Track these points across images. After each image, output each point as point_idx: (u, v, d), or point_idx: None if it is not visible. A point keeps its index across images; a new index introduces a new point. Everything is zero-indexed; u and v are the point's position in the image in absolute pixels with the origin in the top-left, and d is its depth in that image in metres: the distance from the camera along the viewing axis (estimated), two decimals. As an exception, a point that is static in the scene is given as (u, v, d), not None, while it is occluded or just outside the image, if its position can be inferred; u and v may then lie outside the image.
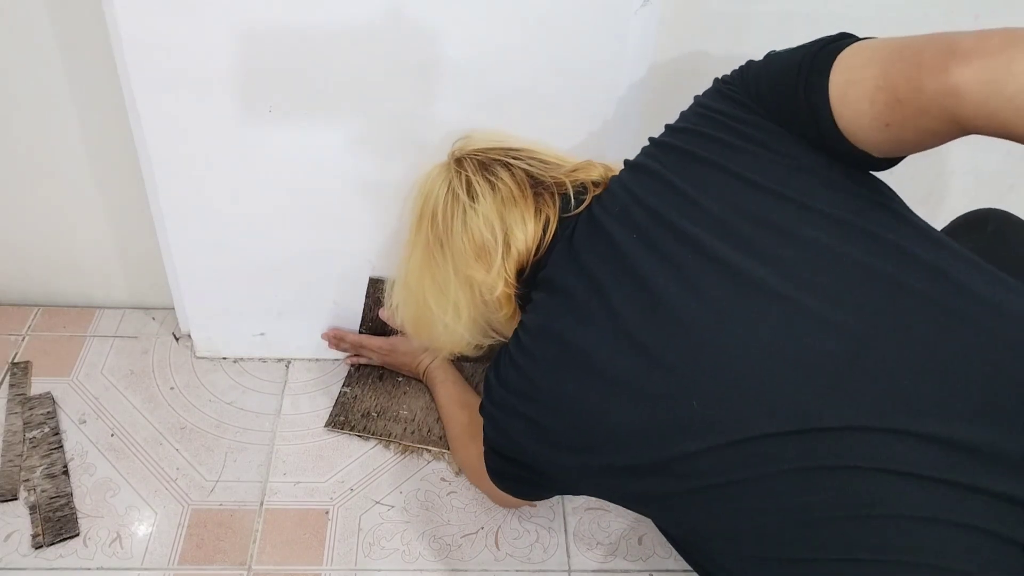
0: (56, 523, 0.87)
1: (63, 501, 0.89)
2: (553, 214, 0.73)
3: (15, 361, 1.06)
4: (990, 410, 0.50)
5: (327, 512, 0.92)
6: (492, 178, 0.75)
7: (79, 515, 0.89)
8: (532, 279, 0.74)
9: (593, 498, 0.94)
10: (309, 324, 1.07)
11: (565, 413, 0.64)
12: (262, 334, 1.08)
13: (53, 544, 0.86)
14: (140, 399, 1.03)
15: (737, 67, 0.67)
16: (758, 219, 0.59)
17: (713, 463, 0.56)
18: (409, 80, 0.84)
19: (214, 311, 1.05)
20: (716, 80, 0.68)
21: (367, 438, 1.01)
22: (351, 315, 1.07)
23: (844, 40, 0.58)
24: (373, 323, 1.07)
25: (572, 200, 0.73)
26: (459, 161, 0.79)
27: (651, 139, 0.71)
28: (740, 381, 0.55)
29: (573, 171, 0.76)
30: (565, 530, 0.92)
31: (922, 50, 0.51)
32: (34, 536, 0.86)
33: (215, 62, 0.81)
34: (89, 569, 0.84)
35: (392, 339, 1.06)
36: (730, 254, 0.58)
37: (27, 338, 1.10)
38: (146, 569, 0.85)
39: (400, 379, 1.08)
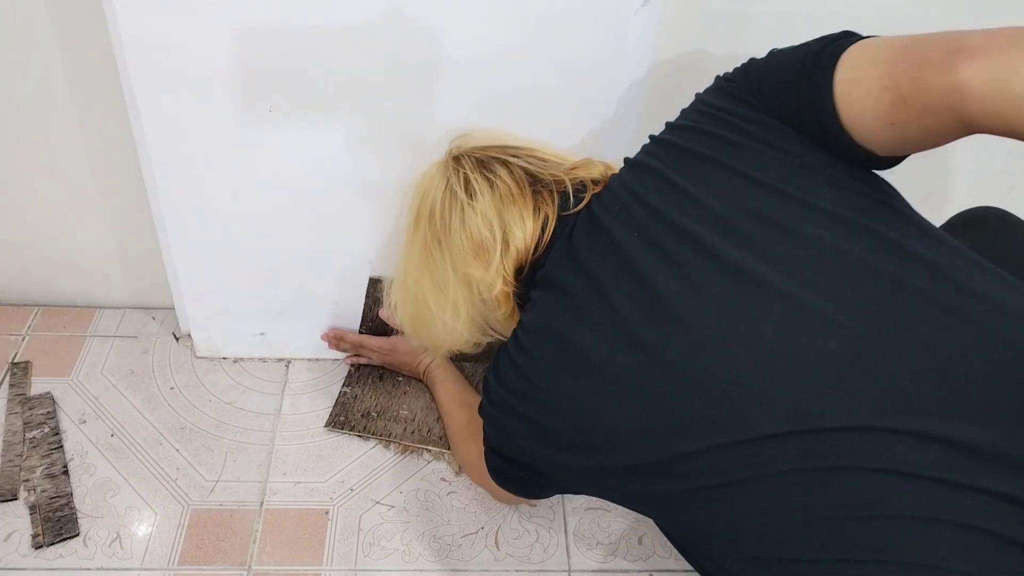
0: (56, 523, 0.87)
1: (63, 501, 0.89)
2: (552, 212, 0.73)
3: (15, 361, 1.06)
4: (990, 410, 0.50)
5: (327, 512, 0.92)
6: (490, 176, 0.75)
7: (79, 515, 0.89)
8: (531, 278, 0.74)
9: (593, 498, 0.94)
10: (309, 324, 1.07)
11: (564, 413, 0.64)
12: (262, 334, 1.08)
13: (53, 544, 0.86)
14: (140, 399, 1.03)
15: (739, 65, 0.67)
16: (760, 217, 0.58)
17: (713, 463, 0.55)
18: (409, 80, 0.84)
19: (214, 311, 1.05)
20: (718, 77, 0.68)
21: (367, 438, 1.01)
22: (351, 315, 1.07)
23: (848, 38, 0.58)
24: (373, 323, 1.07)
25: (571, 198, 0.73)
26: (457, 159, 0.78)
27: (652, 137, 0.70)
28: (741, 379, 0.55)
29: (572, 169, 0.75)
30: (565, 530, 0.92)
31: (928, 48, 0.51)
32: (34, 536, 0.86)
33: (215, 62, 0.81)
34: (89, 569, 0.84)
35: (392, 339, 1.06)
36: (731, 252, 0.58)
37: (27, 338, 1.10)
38: (146, 569, 0.85)
39: (400, 379, 1.08)
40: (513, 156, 0.77)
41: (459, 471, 0.97)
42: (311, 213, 0.95)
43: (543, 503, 0.94)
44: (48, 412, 0.99)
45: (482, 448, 0.78)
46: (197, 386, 1.05)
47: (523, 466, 0.73)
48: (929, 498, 0.49)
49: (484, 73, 0.84)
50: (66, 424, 0.98)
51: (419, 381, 1.07)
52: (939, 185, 1.07)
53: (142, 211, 0.97)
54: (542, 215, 0.73)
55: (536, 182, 0.75)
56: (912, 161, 0.59)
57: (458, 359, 1.05)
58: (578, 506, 0.95)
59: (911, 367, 0.52)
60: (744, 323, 0.56)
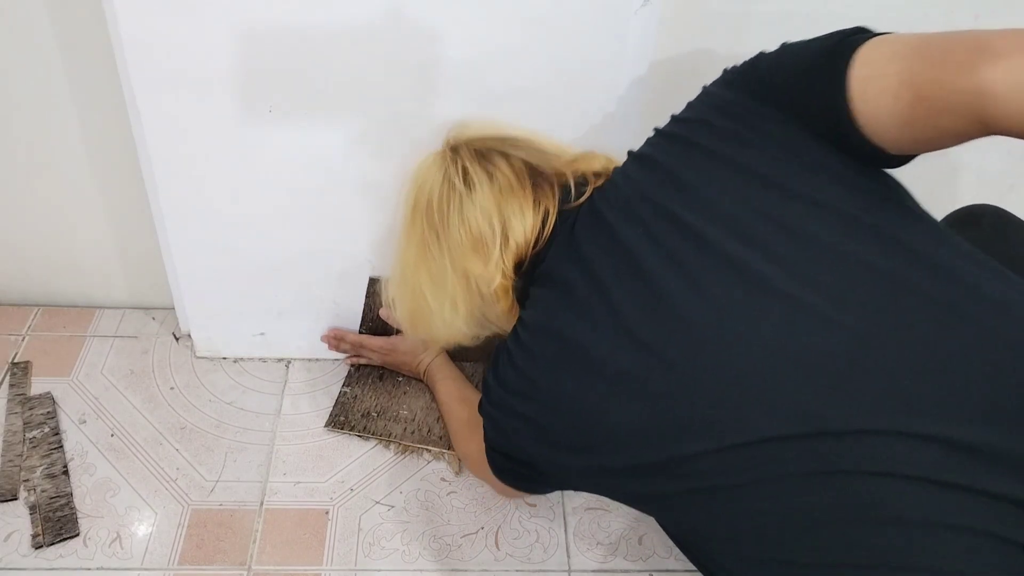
0: (56, 523, 0.87)
1: (63, 501, 0.89)
2: (553, 206, 0.72)
3: (15, 361, 1.06)
4: (991, 410, 0.50)
5: (327, 512, 0.92)
6: (490, 167, 0.74)
7: (79, 515, 0.89)
8: (531, 272, 0.73)
9: (593, 498, 0.94)
10: (309, 324, 1.07)
11: (564, 412, 0.64)
12: (262, 334, 1.08)
13: (53, 544, 0.86)
14: (140, 399, 1.03)
15: (748, 58, 0.65)
16: (764, 214, 0.58)
17: (713, 464, 0.55)
18: (409, 80, 0.84)
19: (214, 311, 1.05)
20: (725, 71, 0.67)
21: (367, 438, 1.01)
22: (351, 315, 1.07)
23: (861, 34, 0.57)
24: (373, 323, 1.07)
25: (572, 191, 0.71)
26: (455, 149, 0.77)
27: (656, 129, 0.69)
28: (741, 379, 0.55)
29: (573, 161, 0.74)
30: (565, 530, 0.92)
31: (950, 48, 0.50)
32: (34, 536, 0.86)
33: (215, 62, 0.81)
34: (89, 569, 0.84)
35: (392, 339, 1.06)
36: (733, 250, 0.57)
37: (27, 338, 1.10)
38: (146, 569, 0.85)
39: (400, 379, 1.08)
40: (513, 147, 0.76)
41: (459, 471, 0.97)
42: (311, 213, 0.95)
43: (543, 503, 0.94)
44: (48, 412, 0.99)
45: (483, 444, 0.77)
46: (197, 386, 1.05)
47: (523, 464, 0.72)
48: (929, 500, 0.49)
49: (484, 73, 0.84)
50: (66, 424, 0.98)
51: (419, 381, 1.07)
52: (939, 185, 1.07)
53: (142, 211, 0.97)
54: (542, 208, 0.72)
55: (536, 174, 0.74)
56: (912, 161, 0.59)
57: (458, 359, 1.05)
58: (578, 506, 0.95)
59: (911, 367, 0.52)
60: (744, 323, 0.56)
